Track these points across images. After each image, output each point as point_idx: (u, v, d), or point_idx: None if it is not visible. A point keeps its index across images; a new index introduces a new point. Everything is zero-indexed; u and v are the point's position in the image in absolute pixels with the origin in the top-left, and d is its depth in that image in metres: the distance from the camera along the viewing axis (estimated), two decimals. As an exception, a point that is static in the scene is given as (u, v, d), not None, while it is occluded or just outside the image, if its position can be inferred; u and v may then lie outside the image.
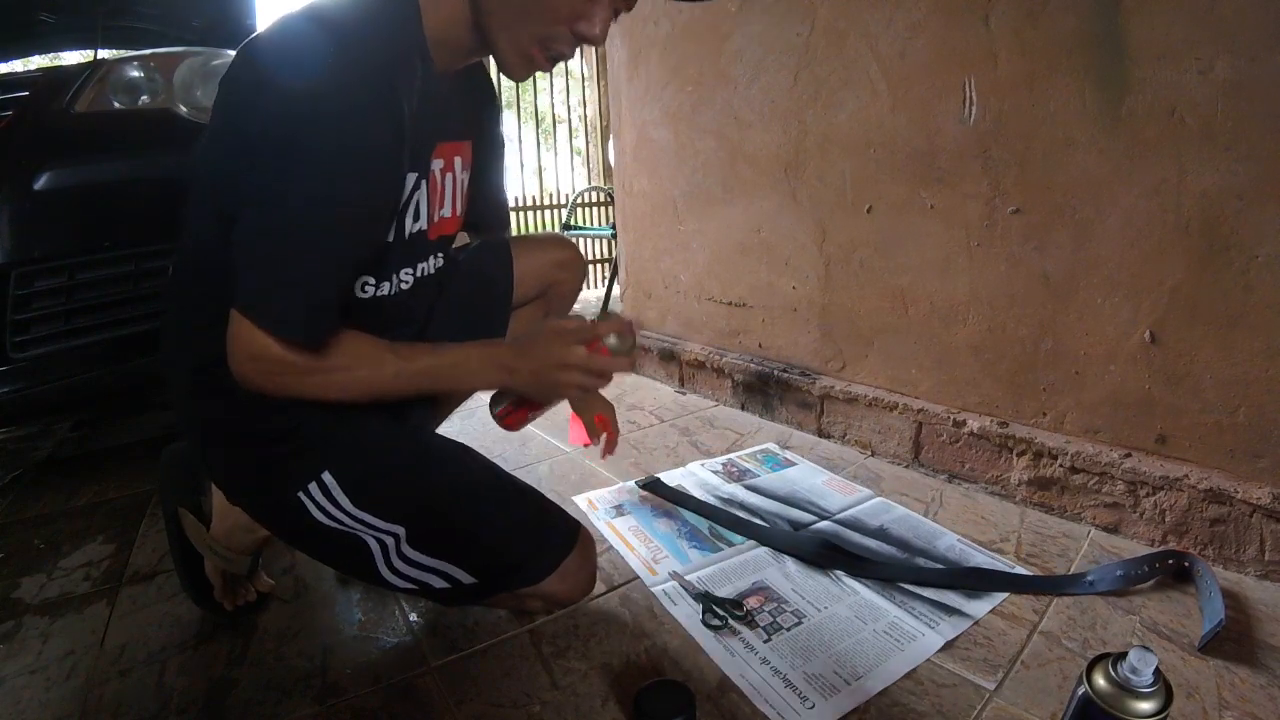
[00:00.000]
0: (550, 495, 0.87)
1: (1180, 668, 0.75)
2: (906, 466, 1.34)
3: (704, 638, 0.82)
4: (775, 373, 1.58)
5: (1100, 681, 0.54)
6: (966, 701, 0.72)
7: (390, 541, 0.74)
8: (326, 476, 0.71)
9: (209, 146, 0.68)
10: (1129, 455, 1.03)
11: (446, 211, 0.82)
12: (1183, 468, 0.98)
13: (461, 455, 0.83)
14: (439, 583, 0.76)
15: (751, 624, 0.84)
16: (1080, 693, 0.55)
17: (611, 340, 0.78)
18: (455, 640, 0.85)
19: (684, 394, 1.88)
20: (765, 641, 0.81)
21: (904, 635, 0.82)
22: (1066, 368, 1.09)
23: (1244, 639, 0.79)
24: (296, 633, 0.89)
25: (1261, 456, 0.91)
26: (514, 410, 0.88)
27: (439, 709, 0.74)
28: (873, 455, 1.40)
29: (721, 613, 0.85)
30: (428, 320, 0.89)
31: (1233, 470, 0.94)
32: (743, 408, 1.71)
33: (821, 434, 1.51)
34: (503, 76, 0.83)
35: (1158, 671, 0.52)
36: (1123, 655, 0.53)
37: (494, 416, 0.88)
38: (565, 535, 0.83)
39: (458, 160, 0.82)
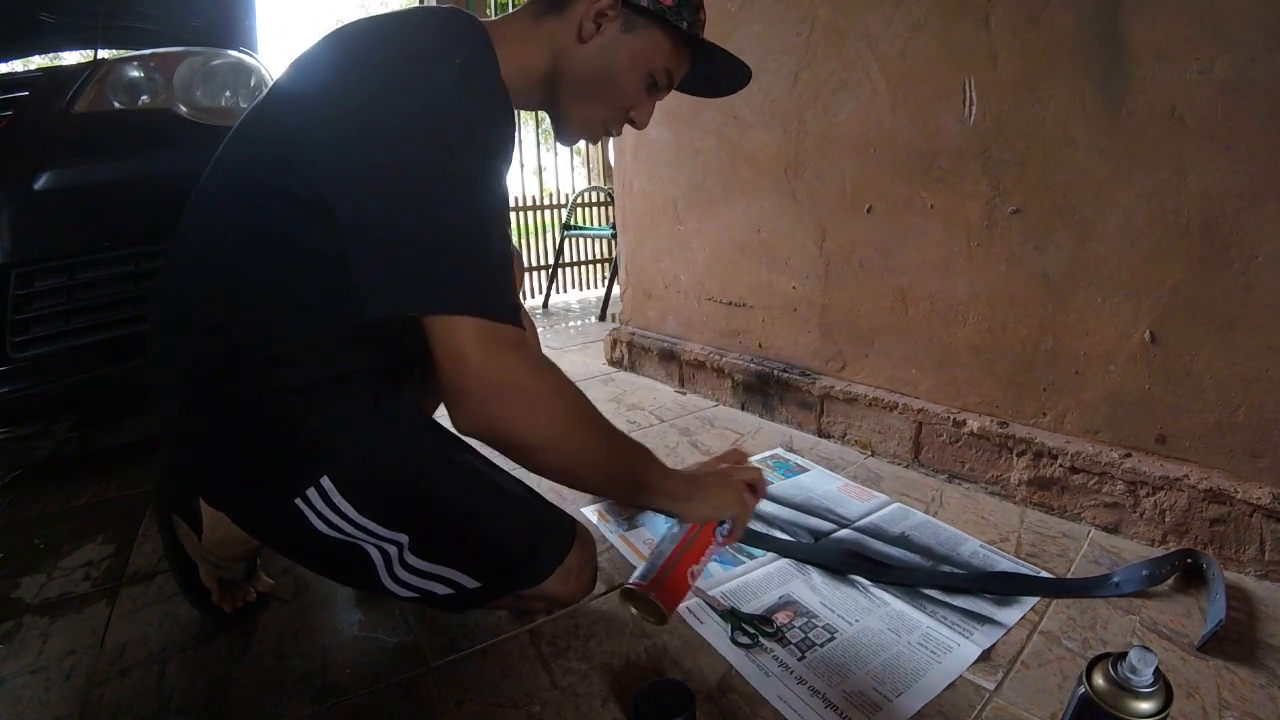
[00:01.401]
0: (558, 506, 0.86)
1: (1180, 668, 0.75)
2: (906, 466, 1.34)
3: (735, 657, 0.79)
4: (775, 373, 1.58)
5: (1100, 681, 0.54)
6: (966, 701, 0.72)
7: (393, 550, 0.72)
8: (325, 482, 0.68)
9: (258, 139, 0.68)
10: (1129, 455, 1.03)
11: None
12: (1183, 468, 0.98)
13: (459, 454, 0.82)
14: (442, 589, 0.75)
15: (783, 641, 0.82)
16: (1080, 693, 0.55)
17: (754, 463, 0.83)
18: (455, 640, 0.85)
19: (684, 394, 1.88)
20: (799, 659, 0.79)
21: (939, 647, 0.80)
22: (1066, 367, 1.09)
23: (1244, 639, 0.79)
24: (296, 633, 0.88)
25: (1261, 456, 0.91)
26: (667, 569, 0.75)
27: (439, 709, 0.74)
28: (873, 455, 1.40)
29: (751, 630, 0.83)
30: None
31: (1233, 470, 0.94)
32: (743, 408, 1.71)
33: (821, 434, 1.51)
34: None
35: (1158, 671, 0.52)
36: (1123, 655, 0.53)
37: (642, 588, 0.74)
38: (564, 534, 0.83)
39: None
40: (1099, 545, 1.03)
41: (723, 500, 0.81)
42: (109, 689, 0.80)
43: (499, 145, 0.65)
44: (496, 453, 0.68)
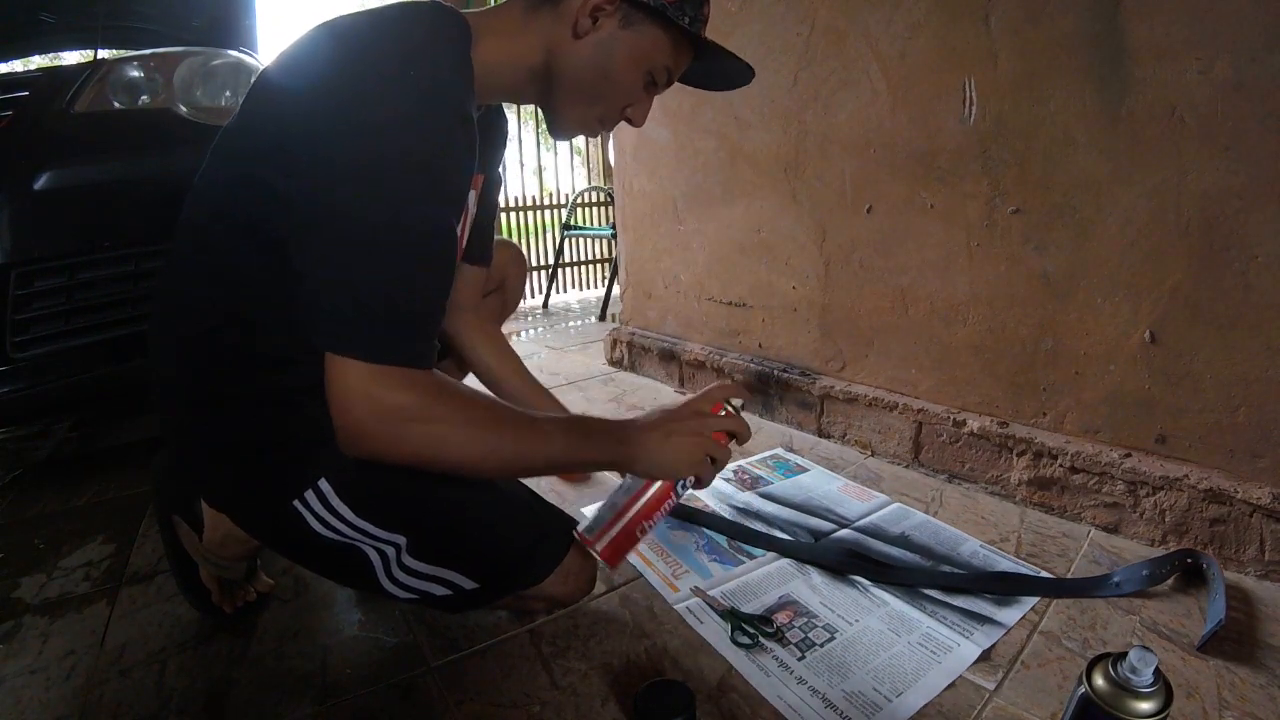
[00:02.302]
0: (557, 506, 0.87)
1: (1180, 668, 0.75)
2: (906, 466, 1.34)
3: (736, 658, 0.79)
4: (775, 373, 1.58)
5: (1100, 681, 0.54)
6: (966, 701, 0.72)
7: (391, 552, 0.72)
8: (323, 484, 0.68)
9: (239, 156, 0.67)
10: (1129, 455, 1.03)
11: (463, 242, 0.86)
12: (1183, 468, 0.98)
13: None
14: (440, 590, 0.75)
15: (783, 641, 0.82)
16: (1080, 693, 0.55)
17: (735, 402, 0.78)
18: (455, 640, 0.85)
19: (684, 394, 1.88)
20: (799, 659, 0.79)
21: (939, 646, 0.80)
22: (1066, 368, 1.09)
23: (1244, 639, 0.79)
24: (296, 633, 0.88)
25: (1261, 456, 0.91)
26: (616, 523, 0.75)
27: (439, 709, 0.74)
28: (873, 455, 1.40)
29: (751, 630, 0.83)
30: None
31: (1233, 470, 0.94)
32: (742, 408, 1.71)
33: (821, 434, 1.51)
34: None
35: (1158, 671, 0.52)
36: (1123, 655, 0.53)
37: (591, 547, 0.76)
38: (563, 535, 0.83)
39: (472, 194, 0.85)
40: (1099, 545, 1.03)
41: (679, 457, 0.74)
42: (109, 689, 0.80)
43: (446, 175, 0.63)
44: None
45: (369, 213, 0.58)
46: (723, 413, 0.78)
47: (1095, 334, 1.05)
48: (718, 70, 0.83)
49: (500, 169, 1.03)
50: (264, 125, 0.65)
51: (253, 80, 1.43)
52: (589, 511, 0.98)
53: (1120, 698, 0.52)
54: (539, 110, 0.81)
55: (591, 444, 0.73)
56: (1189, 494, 0.96)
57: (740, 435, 0.79)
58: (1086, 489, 1.08)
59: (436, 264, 0.63)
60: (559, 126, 0.80)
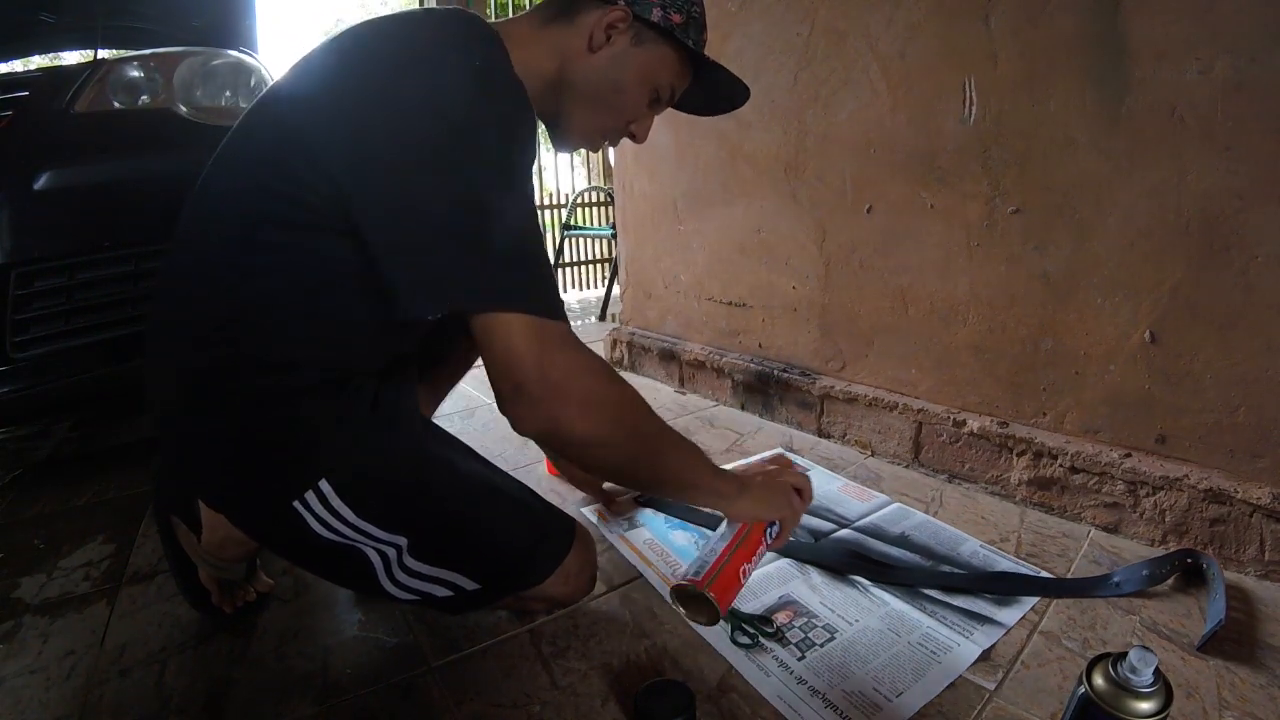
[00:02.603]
0: (557, 507, 0.86)
1: (1180, 668, 0.75)
2: (906, 466, 1.34)
3: (735, 657, 0.79)
4: (775, 373, 1.59)
5: (1100, 681, 0.54)
6: (966, 701, 0.72)
7: (392, 553, 0.72)
8: (323, 485, 0.68)
9: (258, 140, 0.67)
10: (1129, 455, 1.03)
11: None
12: (1183, 468, 0.98)
13: (458, 456, 0.82)
14: (442, 591, 0.75)
15: (783, 641, 0.82)
16: (1080, 693, 0.55)
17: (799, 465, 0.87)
18: (455, 640, 0.85)
19: (684, 394, 1.88)
20: (799, 659, 0.78)
21: (939, 646, 0.80)
22: (1066, 368, 1.09)
23: (1244, 639, 0.79)
24: (296, 633, 0.89)
25: (1261, 456, 0.91)
26: (720, 565, 0.75)
27: (439, 709, 0.74)
28: (873, 455, 1.40)
29: (751, 630, 0.82)
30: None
31: (1233, 470, 0.94)
32: (743, 408, 1.71)
33: (821, 434, 1.51)
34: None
35: (1158, 671, 0.52)
36: (1123, 655, 0.53)
37: (695, 583, 0.73)
38: (563, 535, 0.83)
39: None
40: (1099, 545, 1.03)
41: (772, 501, 0.82)
42: (109, 689, 0.80)
43: (526, 142, 0.65)
44: (551, 451, 0.69)
45: (475, 167, 0.60)
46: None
47: (1095, 334, 1.05)
48: (715, 93, 0.85)
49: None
50: (292, 128, 0.65)
51: (254, 81, 1.45)
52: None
53: (1120, 698, 0.52)
54: (544, 122, 0.82)
55: (718, 476, 0.78)
56: (1189, 494, 0.96)
57: (805, 493, 0.87)
58: (1086, 489, 1.08)
59: (537, 221, 0.66)
60: (565, 137, 0.82)
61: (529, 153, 0.65)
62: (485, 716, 0.73)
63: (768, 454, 0.91)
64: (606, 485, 1.18)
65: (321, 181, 0.62)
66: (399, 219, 0.61)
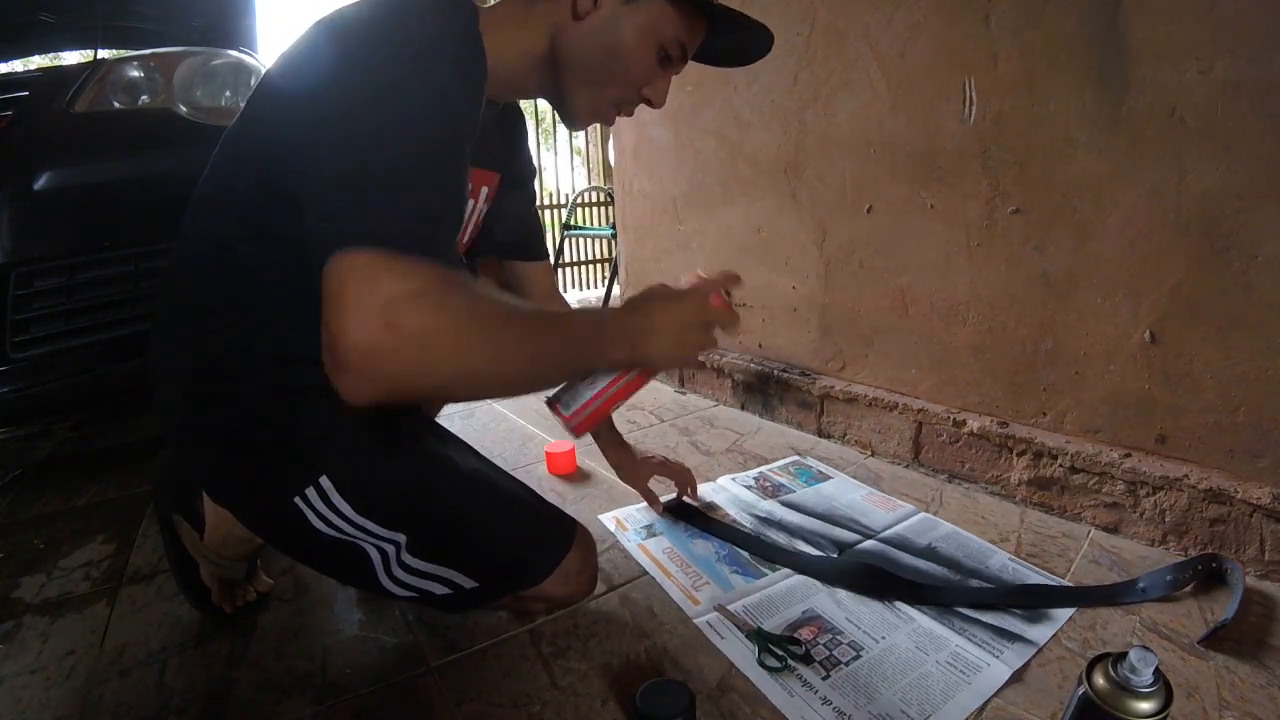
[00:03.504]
0: (578, 518, 0.86)
1: (1180, 668, 0.75)
2: (906, 466, 1.34)
3: (760, 679, 0.76)
4: (775, 373, 1.58)
5: (1100, 681, 0.54)
6: (966, 701, 0.72)
7: (391, 550, 0.72)
8: (324, 481, 0.68)
9: (248, 159, 0.66)
10: (1129, 455, 1.03)
11: (465, 237, 0.84)
12: (1183, 468, 0.98)
13: (459, 455, 0.82)
14: (440, 589, 0.75)
15: (808, 660, 0.78)
16: (1080, 693, 0.55)
17: (728, 293, 0.77)
18: (455, 640, 0.85)
19: (684, 394, 1.88)
20: (824, 678, 0.75)
21: (969, 666, 0.76)
22: (1066, 368, 1.09)
23: (1245, 639, 0.79)
24: (296, 633, 0.88)
25: (1261, 456, 0.91)
26: (594, 401, 0.74)
27: (439, 709, 0.74)
28: (873, 455, 1.40)
29: (780, 653, 0.79)
30: None
31: (1233, 470, 0.94)
32: (743, 408, 1.71)
33: (821, 434, 1.51)
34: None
35: (1158, 671, 0.52)
36: (1123, 655, 0.53)
37: (562, 418, 0.75)
38: (564, 535, 0.83)
39: (484, 190, 0.84)
40: (1099, 545, 1.03)
41: (685, 354, 0.72)
42: (109, 689, 0.80)
43: (461, 101, 0.59)
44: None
45: (367, 118, 0.55)
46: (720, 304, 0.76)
47: (1095, 334, 1.05)
48: (733, 43, 0.79)
49: (531, 161, 1.03)
50: (273, 123, 0.64)
51: (255, 81, 1.45)
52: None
53: (1120, 698, 0.52)
54: (551, 104, 0.79)
55: (607, 340, 0.66)
56: (1189, 494, 0.96)
57: (730, 328, 0.76)
58: (1086, 489, 1.08)
59: (451, 171, 0.58)
60: (572, 114, 0.78)
61: (447, 96, 0.59)
62: (485, 716, 0.73)
63: (711, 277, 0.78)
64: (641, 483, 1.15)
65: (293, 186, 0.60)
66: (311, 184, 0.57)
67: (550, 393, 0.77)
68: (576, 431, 0.78)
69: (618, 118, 0.80)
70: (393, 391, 0.52)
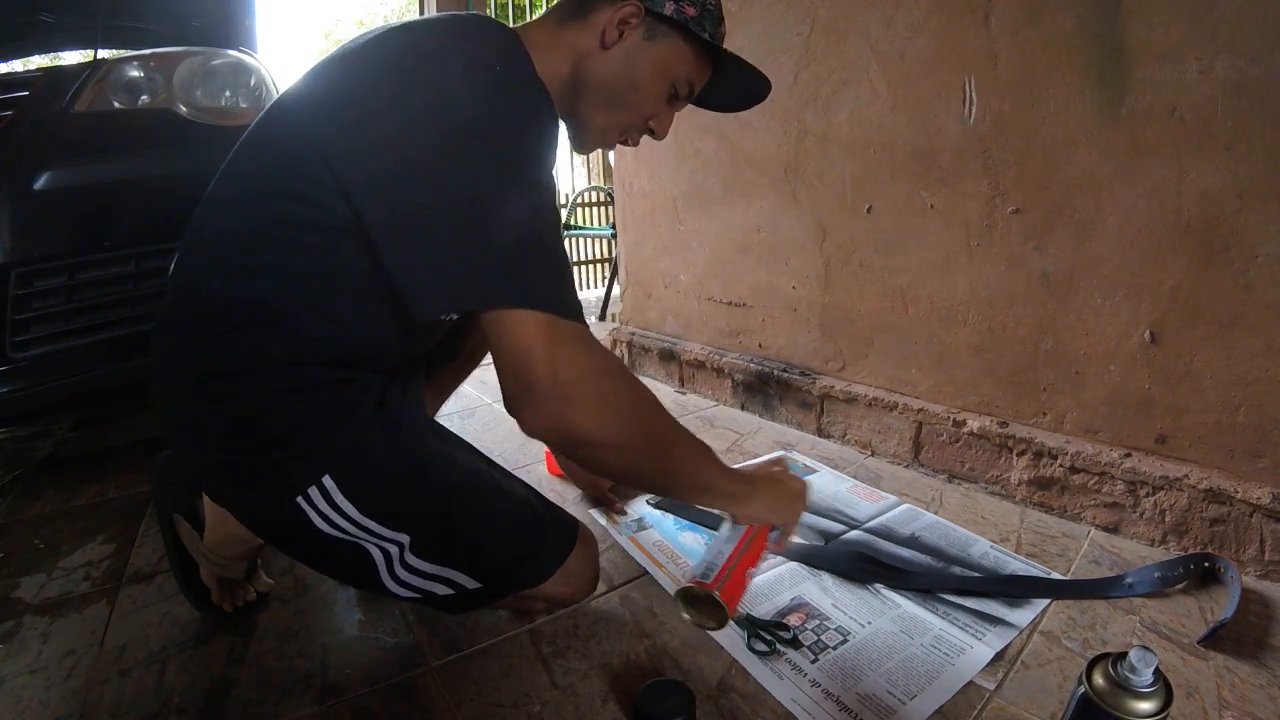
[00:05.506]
0: (560, 507, 0.86)
1: (1180, 668, 0.75)
2: (906, 466, 1.34)
3: (750, 663, 0.79)
4: (775, 373, 1.58)
5: (1100, 681, 0.54)
6: (966, 701, 0.72)
7: (394, 550, 0.72)
8: (327, 481, 0.68)
9: (286, 147, 0.67)
10: (1129, 455, 1.03)
11: None
12: (1183, 468, 0.98)
13: (462, 455, 0.82)
14: (443, 590, 0.75)
15: (796, 644, 0.81)
16: (1080, 692, 0.55)
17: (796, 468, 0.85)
18: (455, 640, 0.85)
19: (684, 394, 1.88)
20: (813, 662, 0.78)
21: (952, 648, 0.79)
22: (1066, 368, 1.09)
23: (1245, 639, 0.79)
24: (296, 633, 0.89)
25: (1261, 456, 0.91)
26: (728, 568, 0.73)
27: (439, 709, 0.74)
28: (873, 455, 1.40)
29: (769, 638, 0.81)
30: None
31: (1233, 470, 0.94)
32: (743, 408, 1.71)
33: (821, 434, 1.51)
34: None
35: (1158, 671, 0.52)
36: (1123, 655, 0.53)
37: (705, 587, 0.72)
38: (566, 535, 0.83)
39: None
40: (1099, 545, 1.03)
41: (779, 504, 0.81)
42: (109, 689, 0.80)
43: (541, 139, 0.65)
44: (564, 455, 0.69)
45: (493, 171, 0.61)
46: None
47: (1095, 334, 1.05)
48: (735, 87, 0.84)
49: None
50: (327, 139, 0.64)
51: (254, 81, 1.45)
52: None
53: (1120, 697, 0.52)
54: (564, 123, 0.81)
55: (728, 478, 0.76)
56: (1189, 494, 0.96)
57: (805, 496, 0.86)
58: (1086, 489, 1.08)
59: (558, 224, 0.67)
60: (583, 137, 0.82)
61: (546, 150, 0.65)
62: (485, 716, 0.73)
63: (770, 456, 0.88)
64: (611, 486, 1.18)
65: (335, 184, 0.62)
66: (407, 219, 0.61)
67: (683, 583, 0.76)
68: (726, 603, 0.73)
69: (622, 146, 0.85)
70: (563, 433, 0.63)
